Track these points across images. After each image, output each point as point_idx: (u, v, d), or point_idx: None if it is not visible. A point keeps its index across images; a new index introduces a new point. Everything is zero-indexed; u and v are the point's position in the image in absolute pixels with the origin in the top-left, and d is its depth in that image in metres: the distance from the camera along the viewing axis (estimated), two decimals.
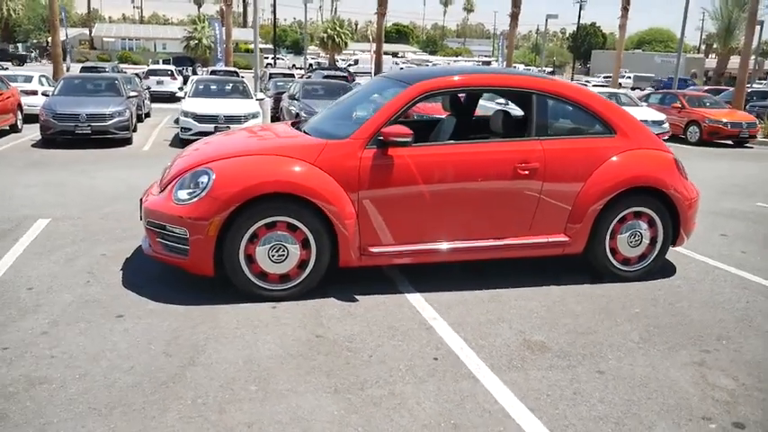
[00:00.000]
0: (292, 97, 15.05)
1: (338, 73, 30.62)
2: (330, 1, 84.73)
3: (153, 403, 3.03)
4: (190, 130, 12.62)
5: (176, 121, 16.77)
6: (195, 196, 4.18)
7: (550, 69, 62.99)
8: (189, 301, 4.24)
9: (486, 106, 10.99)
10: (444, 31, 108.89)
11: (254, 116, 13.20)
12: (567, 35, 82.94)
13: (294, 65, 50.48)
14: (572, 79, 43.76)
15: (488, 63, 63.49)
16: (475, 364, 3.54)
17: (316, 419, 2.95)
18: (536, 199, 4.66)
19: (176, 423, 2.89)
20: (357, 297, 4.43)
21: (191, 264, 4.23)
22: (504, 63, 35.63)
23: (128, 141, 12.58)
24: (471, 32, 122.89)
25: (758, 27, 31.39)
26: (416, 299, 4.46)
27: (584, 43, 72.00)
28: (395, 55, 65.78)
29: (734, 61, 35.79)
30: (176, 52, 47.20)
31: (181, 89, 24.37)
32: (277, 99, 17.55)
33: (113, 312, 4.04)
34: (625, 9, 29.37)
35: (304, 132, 4.91)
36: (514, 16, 35.85)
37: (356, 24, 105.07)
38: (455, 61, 62.92)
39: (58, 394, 3.07)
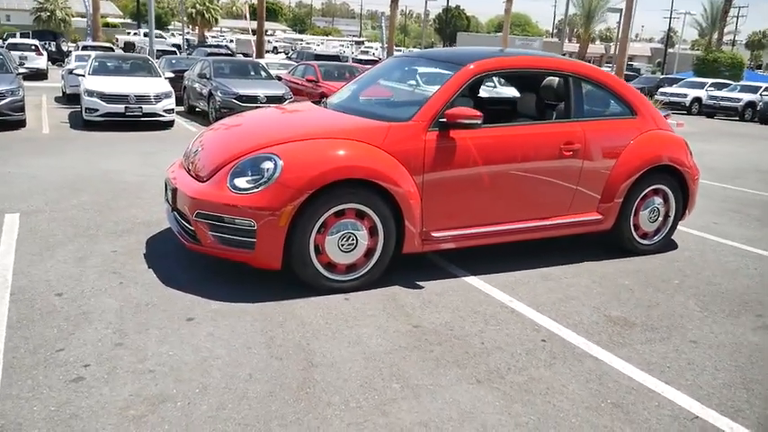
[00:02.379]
0: (202, 76, 14.17)
1: (222, 51, 29.31)
2: None
3: (306, 412, 2.78)
4: (96, 110, 11.53)
5: (58, 100, 15.27)
6: (261, 184, 3.83)
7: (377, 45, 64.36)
8: (250, 297, 3.91)
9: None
10: (311, 9, 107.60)
11: (168, 96, 12.29)
12: (432, 18, 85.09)
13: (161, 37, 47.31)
14: None
15: (361, 43, 63.73)
16: (583, 343, 3.60)
17: (483, 412, 2.86)
18: (576, 179, 4.80)
19: (349, 431, 2.67)
20: (419, 284, 4.32)
21: (257, 257, 3.89)
22: (387, 44, 35.89)
23: (22, 124, 11.22)
24: (336, 11, 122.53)
25: (615, 14, 34.29)
26: (477, 282, 4.43)
27: (450, 26, 74.32)
28: (265, 33, 63.80)
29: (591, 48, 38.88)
30: (24, 25, 42.52)
31: (58, 65, 22.06)
32: (173, 78, 16.40)
33: (179, 315, 3.63)
34: None
35: (343, 113, 4.67)
36: None
37: None
38: (327, 40, 62.33)
39: (193, 412, 2.72)
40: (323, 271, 4.02)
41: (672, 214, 5.35)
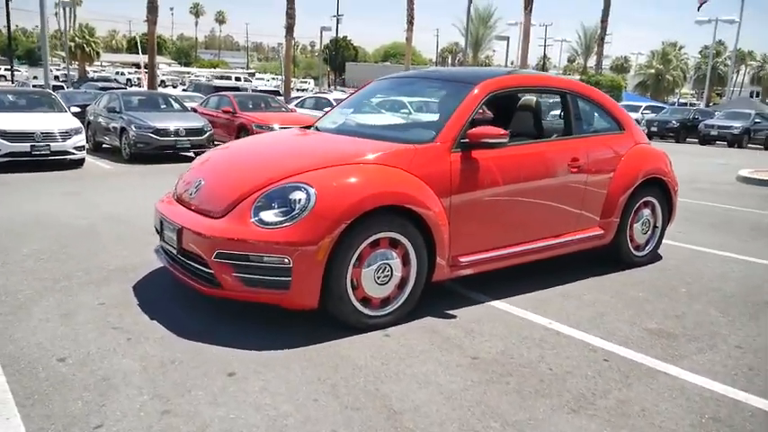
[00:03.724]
0: (111, 110, 13.23)
1: (113, 84, 27.79)
2: (68, 9, 75.91)
3: None
4: None
5: None
6: (294, 217, 3.48)
7: (311, 80, 64.66)
8: (283, 342, 3.52)
9: None
10: (196, 43, 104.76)
11: (77, 132, 11.34)
12: (319, 48, 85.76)
13: (35, 76, 44.25)
14: (330, 90, 44.83)
15: (252, 75, 62.93)
16: (643, 359, 3.53)
17: None
18: (582, 195, 4.81)
19: None
20: (449, 312, 4.11)
21: (292, 297, 3.51)
22: (284, 75, 35.58)
23: None
24: (220, 44, 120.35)
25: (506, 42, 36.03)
26: (504, 306, 4.28)
27: (339, 56, 75.19)
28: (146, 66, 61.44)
29: None
30: None
31: None
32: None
33: (217, 371, 3.18)
34: (410, 23, 31.45)
35: (355, 137, 4.40)
36: (290, 28, 36.01)
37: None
38: (220, 75, 60.87)
39: None
40: (359, 307, 3.70)
41: (659, 225, 5.49)
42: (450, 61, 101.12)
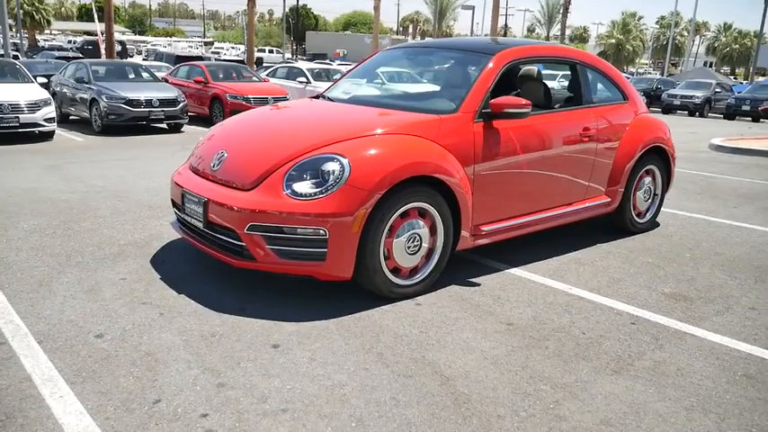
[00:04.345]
0: (80, 81, 12.77)
1: (71, 54, 26.74)
2: None
3: (486, 429, 2.53)
4: None
5: None
6: (329, 188, 3.46)
7: (270, 49, 63.29)
8: (319, 313, 3.53)
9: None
10: (150, 11, 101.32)
11: (47, 103, 10.92)
12: (277, 16, 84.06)
13: None
14: (294, 59, 44.05)
15: (211, 44, 61.28)
16: (667, 321, 3.66)
17: (646, 401, 2.78)
18: (591, 164, 4.89)
19: None
20: (472, 281, 4.17)
21: (328, 268, 3.50)
22: (247, 44, 34.70)
23: None
24: (175, 12, 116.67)
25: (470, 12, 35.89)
26: (523, 273, 4.37)
27: (299, 25, 73.80)
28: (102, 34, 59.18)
29: None
30: None
31: None
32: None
33: (261, 343, 3.17)
34: None
35: (375, 107, 4.37)
36: None
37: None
38: (175, 41, 59.07)
39: None
40: (391, 277, 3.73)
41: (659, 192, 5.64)
42: (411, 31, 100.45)
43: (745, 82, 45.17)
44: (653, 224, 5.69)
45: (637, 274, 4.47)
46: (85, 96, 12.52)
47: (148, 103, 12.17)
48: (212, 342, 3.17)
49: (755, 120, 23.31)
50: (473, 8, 35.37)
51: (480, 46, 4.64)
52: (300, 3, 75.42)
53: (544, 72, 5.19)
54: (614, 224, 5.42)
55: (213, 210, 3.68)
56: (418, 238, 3.78)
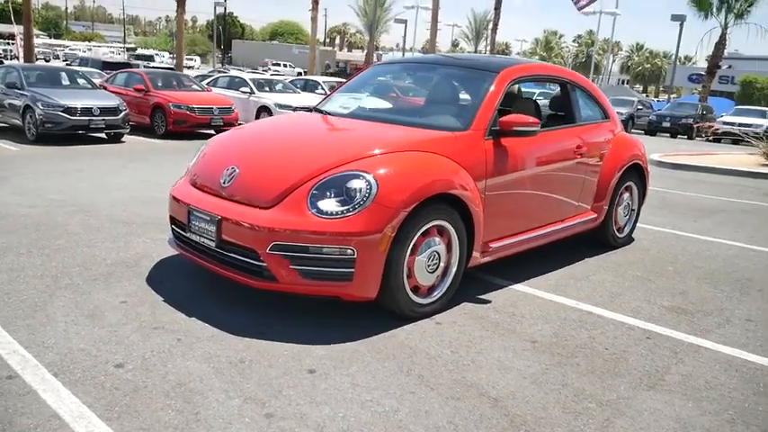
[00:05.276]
0: (11, 86, 12.00)
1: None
2: None
3: None
4: None
5: None
6: (356, 206, 3.37)
7: (196, 57, 61.77)
8: (343, 336, 3.43)
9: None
10: (66, 13, 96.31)
11: None
12: (201, 24, 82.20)
13: None
14: (218, 67, 43.08)
15: (134, 50, 59.09)
16: (677, 335, 3.78)
17: (689, 415, 2.85)
18: (582, 181, 5.02)
19: None
20: (480, 297, 4.18)
21: (353, 289, 3.41)
22: (177, 51, 33.72)
23: None
24: (92, 15, 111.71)
25: (403, 25, 36.34)
26: (527, 289, 4.41)
27: (225, 33, 72.39)
28: (11, 37, 56.02)
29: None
30: None
31: None
32: None
33: (296, 369, 3.04)
34: (315, 2, 30.75)
35: (382, 123, 4.31)
36: (181, 1, 34.21)
37: None
38: (95, 46, 56.65)
39: None
40: (412, 296, 3.67)
41: (635, 208, 5.86)
42: (338, 42, 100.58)
43: (657, 99, 47.98)
44: (629, 239, 5.90)
45: (632, 287, 4.61)
46: (17, 103, 11.77)
47: (88, 111, 11.58)
48: (243, 369, 3.01)
49: (673, 136, 24.80)
50: (405, 21, 36.01)
51: (483, 63, 4.68)
52: (227, 11, 74.03)
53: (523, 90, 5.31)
54: (597, 239, 5.57)
55: (228, 229, 3.51)
56: (437, 255, 3.75)
